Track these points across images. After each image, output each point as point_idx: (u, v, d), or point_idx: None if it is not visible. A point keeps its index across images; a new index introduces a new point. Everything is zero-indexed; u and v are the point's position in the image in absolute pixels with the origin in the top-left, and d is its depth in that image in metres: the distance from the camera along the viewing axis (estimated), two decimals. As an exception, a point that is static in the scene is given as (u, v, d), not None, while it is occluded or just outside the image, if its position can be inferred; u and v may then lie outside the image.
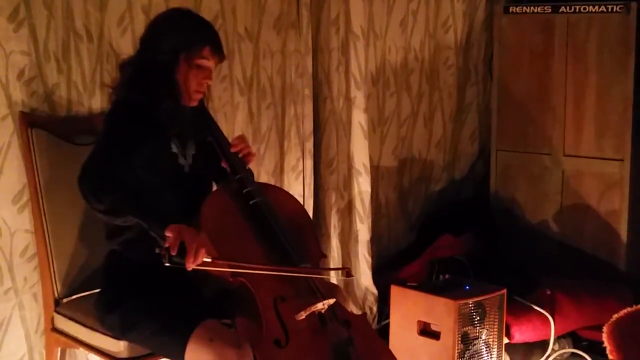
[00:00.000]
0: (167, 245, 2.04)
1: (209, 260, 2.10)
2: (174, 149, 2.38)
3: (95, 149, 2.24)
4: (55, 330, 2.53)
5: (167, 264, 2.04)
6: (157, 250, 2.04)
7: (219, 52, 2.37)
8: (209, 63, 2.36)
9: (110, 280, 2.41)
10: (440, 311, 2.85)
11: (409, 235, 3.95)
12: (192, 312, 2.22)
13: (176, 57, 2.31)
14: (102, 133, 2.31)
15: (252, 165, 2.57)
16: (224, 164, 2.47)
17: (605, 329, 2.94)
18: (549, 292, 3.24)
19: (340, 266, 3.46)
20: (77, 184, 2.16)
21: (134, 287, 2.32)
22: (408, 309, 2.96)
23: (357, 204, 3.48)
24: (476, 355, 2.89)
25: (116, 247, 2.39)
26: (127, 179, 2.20)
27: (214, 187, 2.58)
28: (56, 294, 2.53)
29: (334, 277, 3.47)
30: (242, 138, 2.51)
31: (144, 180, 2.31)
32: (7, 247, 2.56)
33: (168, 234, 2.05)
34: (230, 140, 2.52)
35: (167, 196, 2.34)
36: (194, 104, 2.40)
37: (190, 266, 2.06)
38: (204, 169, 2.49)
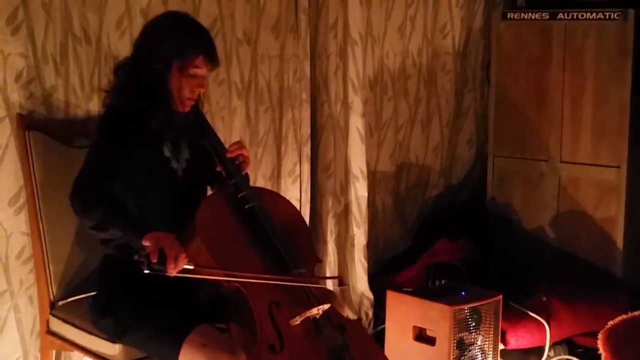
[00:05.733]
0: (146, 252, 2.05)
1: (191, 267, 2.12)
2: (167, 153, 2.38)
3: (85, 163, 2.26)
4: (50, 332, 2.53)
5: (146, 271, 2.05)
6: (136, 258, 2.07)
7: (212, 61, 2.35)
8: (202, 71, 2.35)
9: (105, 284, 2.41)
10: (436, 317, 2.86)
11: (405, 241, 3.95)
12: (186, 316, 2.22)
13: (169, 65, 2.30)
14: (92, 143, 2.32)
15: (248, 169, 2.57)
16: (219, 168, 2.47)
17: (600, 335, 2.94)
18: (544, 299, 3.25)
19: (336, 273, 3.45)
20: (69, 201, 2.20)
21: (129, 291, 2.32)
22: (404, 314, 2.97)
23: (354, 209, 3.48)
24: (471, 361, 2.90)
25: (110, 251, 2.39)
26: (116, 191, 2.24)
27: (209, 192, 2.58)
28: (52, 297, 2.53)
29: (330, 284, 3.47)
30: (239, 144, 2.50)
31: (137, 184, 2.32)
32: (3, 249, 2.56)
33: (146, 242, 2.07)
34: (227, 145, 2.52)
35: (160, 200, 2.34)
36: (186, 110, 2.39)
37: (172, 272, 2.07)
38: (198, 173, 2.49)
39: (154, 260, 2.05)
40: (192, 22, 2.39)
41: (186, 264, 2.10)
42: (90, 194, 2.18)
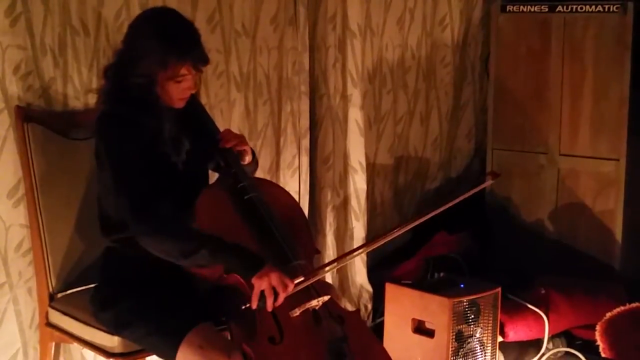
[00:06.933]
0: (253, 296, 2.14)
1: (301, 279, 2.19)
2: (166, 148, 2.35)
3: (134, 197, 2.22)
4: (49, 325, 2.53)
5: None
6: (242, 307, 2.17)
7: (199, 64, 2.28)
8: (190, 76, 2.28)
9: (106, 277, 2.40)
10: (435, 309, 2.86)
11: (404, 233, 3.94)
12: (186, 314, 2.21)
13: (154, 78, 2.25)
14: (114, 173, 2.26)
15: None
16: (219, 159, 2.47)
17: (598, 327, 2.96)
18: (543, 291, 3.25)
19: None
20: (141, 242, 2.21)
21: (130, 284, 2.31)
22: (403, 306, 2.97)
23: (353, 202, 3.48)
24: (470, 354, 2.90)
25: (112, 243, 2.38)
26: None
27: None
28: (51, 289, 2.53)
29: (328, 277, 3.47)
30: (234, 134, 2.48)
31: None
32: (2, 241, 2.55)
33: (255, 283, 2.14)
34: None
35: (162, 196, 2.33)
36: (180, 106, 2.35)
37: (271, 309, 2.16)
38: (199, 163, 2.48)
39: (254, 307, 2.14)
40: (174, 26, 2.27)
41: (296, 282, 2.18)
42: (185, 235, 2.21)
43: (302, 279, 2.19)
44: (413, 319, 2.94)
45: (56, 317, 2.50)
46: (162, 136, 2.33)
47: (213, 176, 2.63)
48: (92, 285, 2.47)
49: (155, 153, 2.32)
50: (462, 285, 2.96)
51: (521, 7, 3.71)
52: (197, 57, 2.27)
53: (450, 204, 2.34)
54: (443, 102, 4.01)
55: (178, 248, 2.19)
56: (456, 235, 3.64)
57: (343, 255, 2.33)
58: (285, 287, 2.14)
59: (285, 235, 2.30)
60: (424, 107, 3.94)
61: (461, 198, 2.36)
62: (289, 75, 3.36)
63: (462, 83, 4.05)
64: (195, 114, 2.46)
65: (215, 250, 2.18)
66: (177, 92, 2.30)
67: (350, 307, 3.42)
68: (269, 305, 2.14)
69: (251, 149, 2.53)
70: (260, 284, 2.13)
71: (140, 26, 2.31)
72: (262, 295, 2.14)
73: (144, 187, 2.23)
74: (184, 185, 2.38)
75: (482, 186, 2.37)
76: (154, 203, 2.22)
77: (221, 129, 2.53)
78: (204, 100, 3.01)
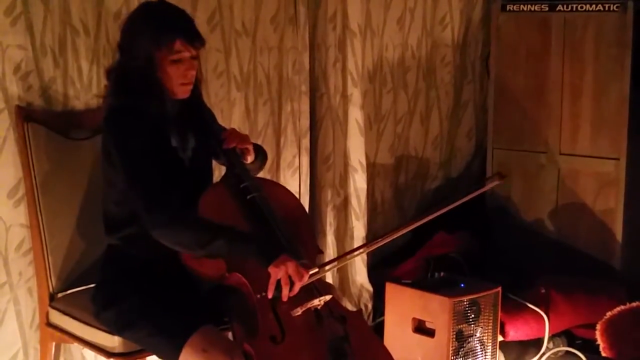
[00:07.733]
0: (270, 285, 2.16)
1: (316, 270, 2.23)
2: (174, 143, 2.36)
3: (140, 180, 2.22)
4: (50, 325, 2.53)
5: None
6: (258, 296, 2.19)
7: (192, 41, 2.28)
8: (186, 54, 2.28)
9: (108, 276, 2.39)
10: (435, 309, 2.86)
11: (404, 233, 3.94)
12: (189, 315, 2.21)
13: (151, 59, 2.25)
14: (125, 163, 2.25)
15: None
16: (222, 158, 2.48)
17: (598, 326, 2.96)
18: (543, 291, 3.25)
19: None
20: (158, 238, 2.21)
21: (133, 284, 2.31)
22: (403, 306, 2.97)
23: (353, 201, 3.48)
24: (470, 353, 2.90)
25: (116, 241, 2.38)
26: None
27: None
28: (51, 289, 2.53)
29: (328, 277, 3.47)
30: (238, 134, 2.49)
31: None
32: (2, 241, 2.56)
33: (271, 271, 2.15)
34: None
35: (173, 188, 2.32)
36: (184, 95, 2.35)
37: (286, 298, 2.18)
38: (205, 161, 2.48)
39: (270, 296, 2.16)
40: (164, 8, 2.31)
41: (311, 272, 2.20)
42: (201, 225, 2.21)
43: (316, 269, 2.19)
44: (413, 319, 2.94)
45: (56, 317, 2.50)
46: (168, 128, 2.34)
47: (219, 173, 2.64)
48: (93, 285, 2.47)
49: (164, 147, 2.33)
50: (462, 285, 2.96)
51: (521, 6, 3.71)
52: (190, 31, 2.28)
53: (453, 205, 2.34)
54: (443, 101, 4.01)
55: (194, 238, 2.18)
56: (456, 234, 3.64)
57: (345, 253, 2.34)
58: (302, 276, 2.15)
59: (288, 235, 2.30)
60: (424, 106, 3.94)
61: (465, 199, 2.36)
62: (289, 74, 3.37)
63: (462, 82, 4.05)
64: (199, 112, 2.47)
65: (232, 239, 2.18)
66: (178, 75, 2.29)
67: (350, 307, 3.42)
68: (285, 295, 2.15)
69: (256, 145, 2.53)
70: (277, 273, 2.14)
71: (132, 14, 2.35)
72: (278, 284, 2.15)
73: (157, 179, 2.23)
74: (190, 181, 2.38)
75: (489, 187, 2.35)
76: (167, 194, 2.22)
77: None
78: (204, 99, 3.01)
